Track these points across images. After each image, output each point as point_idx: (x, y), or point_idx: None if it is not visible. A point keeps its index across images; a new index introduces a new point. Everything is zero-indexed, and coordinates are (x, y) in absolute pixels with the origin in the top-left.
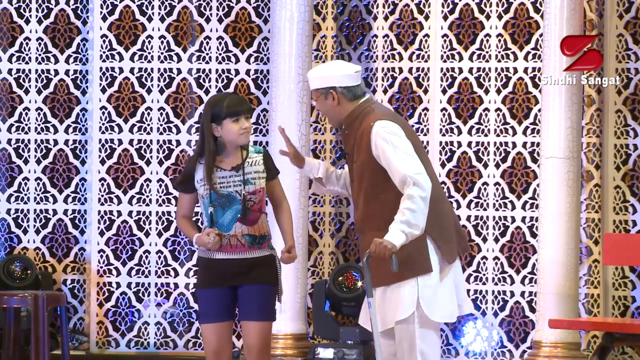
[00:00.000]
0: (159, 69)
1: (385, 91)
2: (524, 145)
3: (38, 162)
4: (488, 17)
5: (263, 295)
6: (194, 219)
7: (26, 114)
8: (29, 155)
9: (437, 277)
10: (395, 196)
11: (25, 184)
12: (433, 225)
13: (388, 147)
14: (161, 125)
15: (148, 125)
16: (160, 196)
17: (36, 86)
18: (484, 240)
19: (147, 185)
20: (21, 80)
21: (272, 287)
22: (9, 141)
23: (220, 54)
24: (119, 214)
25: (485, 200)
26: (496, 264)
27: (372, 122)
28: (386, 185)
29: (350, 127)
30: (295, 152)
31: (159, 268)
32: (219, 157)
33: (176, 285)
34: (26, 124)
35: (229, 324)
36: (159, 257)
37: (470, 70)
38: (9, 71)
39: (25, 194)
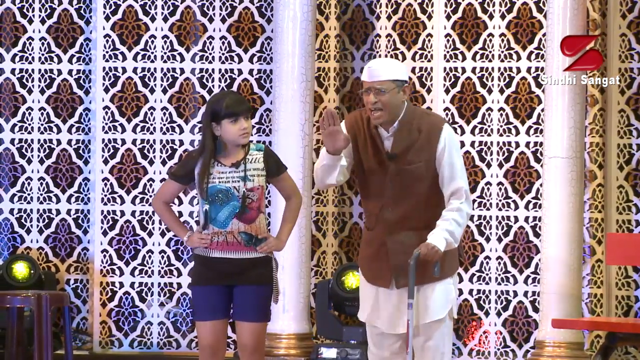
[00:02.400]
0: (162, 69)
1: None
2: (527, 145)
3: (41, 161)
4: (491, 16)
5: (258, 295)
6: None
7: (29, 113)
8: (32, 155)
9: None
10: (439, 201)
11: (29, 183)
12: None
13: (456, 154)
14: (164, 125)
15: (151, 125)
16: None
17: (39, 86)
18: (487, 240)
19: (151, 185)
20: (24, 80)
21: (267, 287)
22: (12, 141)
23: (223, 54)
24: (122, 213)
25: (488, 200)
26: (499, 263)
27: (441, 124)
28: (438, 188)
29: (406, 126)
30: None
31: (162, 268)
32: (220, 155)
33: (179, 285)
34: (29, 124)
35: (224, 322)
36: (162, 257)
37: (473, 70)
38: (12, 71)
39: (29, 194)
